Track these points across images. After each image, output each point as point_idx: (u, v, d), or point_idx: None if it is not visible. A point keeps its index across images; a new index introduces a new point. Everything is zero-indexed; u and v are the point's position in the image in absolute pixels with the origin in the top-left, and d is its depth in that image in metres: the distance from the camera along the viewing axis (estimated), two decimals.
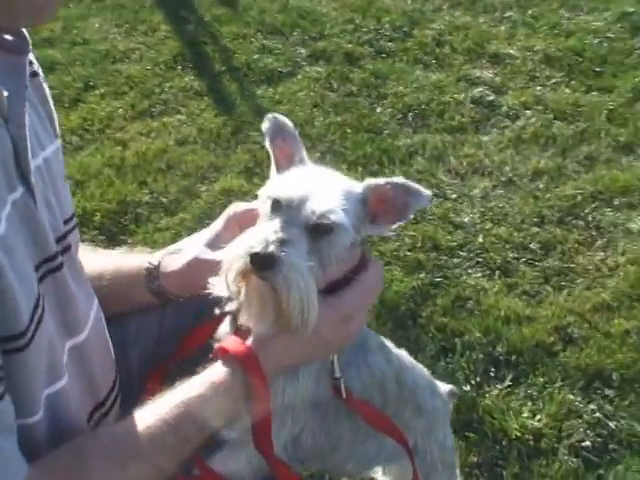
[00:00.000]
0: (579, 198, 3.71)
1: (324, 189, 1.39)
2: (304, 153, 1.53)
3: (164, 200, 3.85)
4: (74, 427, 1.42)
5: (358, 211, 1.43)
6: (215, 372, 1.42)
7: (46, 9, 1.23)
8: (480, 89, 4.61)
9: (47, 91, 1.44)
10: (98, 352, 1.54)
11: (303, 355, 1.47)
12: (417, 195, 1.41)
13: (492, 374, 2.87)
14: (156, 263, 1.65)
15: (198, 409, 1.38)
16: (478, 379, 2.85)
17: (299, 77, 4.82)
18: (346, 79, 4.76)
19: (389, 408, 1.65)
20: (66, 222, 1.45)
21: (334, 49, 5.05)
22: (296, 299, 1.31)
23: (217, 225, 1.63)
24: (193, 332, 1.74)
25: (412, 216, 1.44)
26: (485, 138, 4.22)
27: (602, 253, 3.40)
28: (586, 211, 3.63)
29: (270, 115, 1.54)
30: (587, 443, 2.61)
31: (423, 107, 4.47)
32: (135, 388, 1.70)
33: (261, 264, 1.30)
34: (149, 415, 1.38)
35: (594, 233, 3.51)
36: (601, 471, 2.53)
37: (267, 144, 1.56)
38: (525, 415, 2.70)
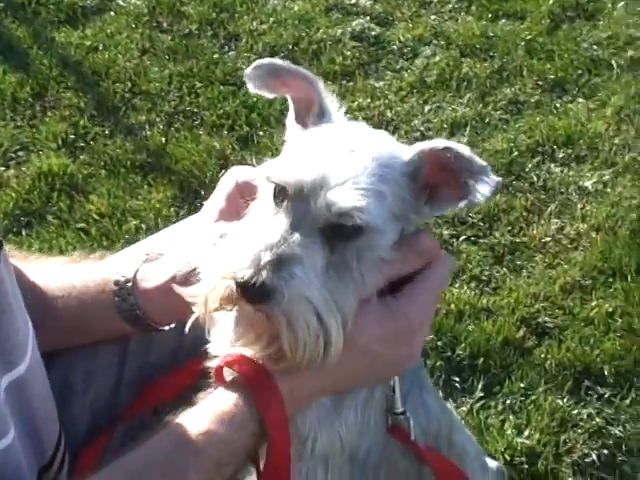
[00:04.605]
0: (515, 153, 3.92)
1: (349, 166, 1.35)
2: (326, 100, 1.51)
3: None
4: None
5: (405, 192, 1.41)
6: (220, 399, 1.40)
7: None
8: (360, 21, 4.74)
9: None
10: (40, 390, 1.49)
11: (347, 380, 1.46)
12: (482, 179, 1.36)
13: (457, 385, 2.99)
14: (130, 275, 1.59)
15: (203, 452, 1.36)
16: (440, 393, 2.95)
17: (112, 14, 4.76)
18: (179, 14, 4.75)
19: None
20: None
21: None
22: (302, 341, 1.30)
23: (217, 200, 1.60)
24: (157, 381, 1.72)
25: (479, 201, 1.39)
26: (379, 84, 4.35)
27: (558, 220, 3.62)
28: (527, 169, 3.85)
29: (249, 70, 1.52)
30: (592, 457, 2.79)
31: (291, 48, 4.54)
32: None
33: (251, 296, 1.29)
34: (135, 467, 1.36)
35: (543, 196, 3.73)
36: None
37: (260, 93, 1.55)
38: (510, 432, 2.84)
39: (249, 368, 1.37)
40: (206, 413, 1.37)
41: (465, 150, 1.37)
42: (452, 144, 1.39)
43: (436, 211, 1.46)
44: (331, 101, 1.51)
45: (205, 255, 1.37)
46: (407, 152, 1.42)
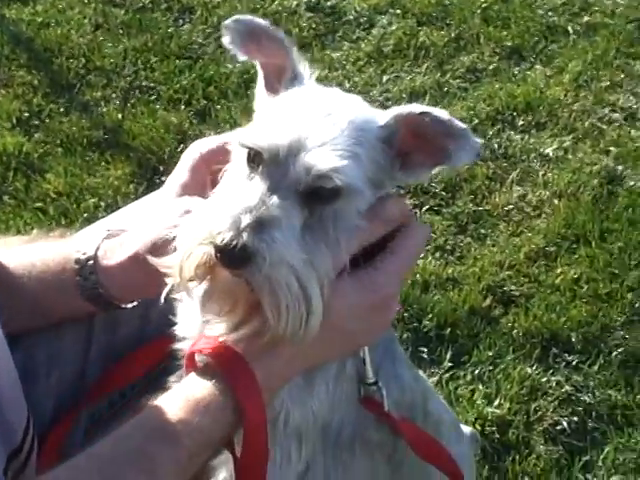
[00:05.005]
0: (475, 121, 3.88)
1: (325, 129, 1.30)
2: (299, 66, 1.45)
3: None
4: None
5: (380, 156, 1.36)
6: (194, 386, 1.34)
7: None
8: None
9: None
10: (5, 371, 1.43)
11: (321, 358, 1.42)
12: (463, 143, 1.32)
13: (425, 355, 2.95)
14: (91, 252, 1.52)
15: (178, 442, 1.29)
16: None
17: None
18: None
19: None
20: None
21: None
22: (285, 305, 1.24)
23: (180, 174, 1.53)
24: (124, 359, 1.66)
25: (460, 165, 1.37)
26: (336, 55, 4.29)
27: (520, 188, 3.59)
28: (488, 137, 3.80)
29: (229, 21, 1.45)
30: (563, 425, 2.76)
31: None
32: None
33: (231, 260, 1.23)
34: (106, 457, 1.29)
35: (504, 164, 3.69)
36: (586, 457, 2.69)
37: (232, 48, 1.47)
38: (480, 402, 2.80)
39: (224, 355, 1.31)
40: (180, 401, 1.31)
41: (444, 114, 1.32)
42: (430, 109, 1.34)
43: (409, 177, 1.42)
44: (304, 67, 1.45)
45: (178, 226, 1.31)
46: (383, 116, 1.38)
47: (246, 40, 1.45)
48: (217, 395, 1.30)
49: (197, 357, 1.35)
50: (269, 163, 1.30)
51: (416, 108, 1.35)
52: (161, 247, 1.35)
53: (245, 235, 1.21)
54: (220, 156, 1.46)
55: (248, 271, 1.22)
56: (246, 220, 1.22)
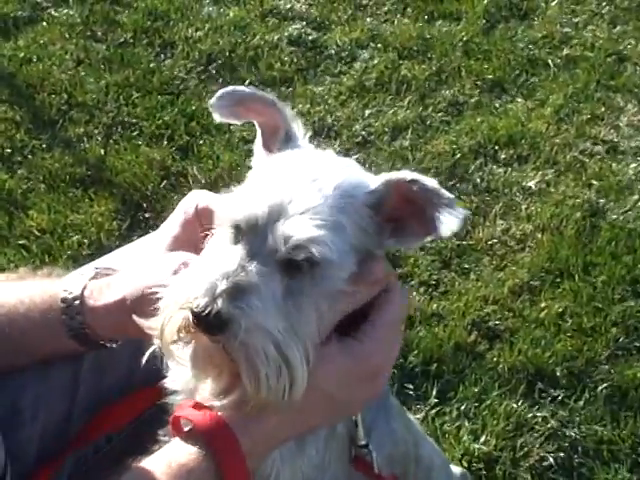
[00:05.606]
0: (457, 155, 3.88)
1: (309, 195, 1.30)
2: (293, 126, 1.45)
3: None
4: None
5: (365, 222, 1.35)
6: (178, 451, 1.33)
7: None
8: (297, 26, 4.68)
9: None
10: None
11: (309, 426, 1.41)
12: (447, 212, 1.30)
13: (411, 392, 2.94)
14: (77, 292, 1.51)
15: None
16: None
17: (45, 24, 4.65)
18: (113, 23, 4.66)
19: None
20: None
21: None
22: (264, 373, 1.24)
23: (173, 226, 1.53)
24: (112, 405, 1.65)
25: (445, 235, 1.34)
26: (318, 89, 4.29)
27: (503, 222, 3.59)
28: (470, 171, 3.81)
29: (213, 99, 1.47)
30: (549, 461, 2.75)
31: (228, 55, 4.47)
32: None
33: (207, 326, 1.23)
34: None
35: (487, 198, 3.70)
36: None
37: (225, 121, 1.50)
38: (466, 438, 2.79)
39: (208, 422, 1.31)
40: (163, 465, 1.31)
41: (431, 182, 1.32)
42: (419, 176, 1.33)
43: (400, 245, 1.42)
44: (297, 126, 1.46)
45: (163, 286, 1.32)
46: (372, 182, 1.36)
47: (235, 109, 1.47)
48: (200, 461, 1.29)
49: (182, 422, 1.34)
50: (248, 232, 1.30)
51: (406, 175, 1.34)
52: (147, 304, 1.34)
53: (220, 301, 1.22)
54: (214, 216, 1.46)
55: (225, 337, 1.23)
56: (222, 286, 1.23)
